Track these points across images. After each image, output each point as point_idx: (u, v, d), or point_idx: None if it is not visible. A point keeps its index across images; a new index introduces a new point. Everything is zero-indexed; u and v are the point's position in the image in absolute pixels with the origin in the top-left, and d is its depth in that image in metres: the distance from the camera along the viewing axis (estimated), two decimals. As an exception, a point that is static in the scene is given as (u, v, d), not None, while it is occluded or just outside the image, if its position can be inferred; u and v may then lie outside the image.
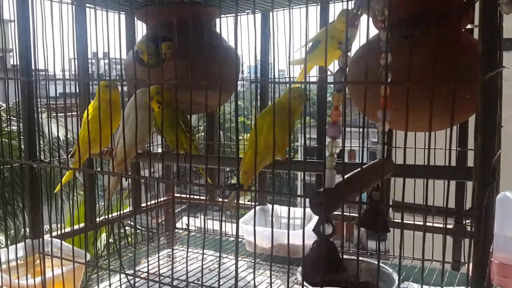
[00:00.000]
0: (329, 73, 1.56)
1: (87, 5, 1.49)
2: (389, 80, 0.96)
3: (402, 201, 0.88)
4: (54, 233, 1.43)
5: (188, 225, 1.89)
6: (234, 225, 1.92)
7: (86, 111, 1.28)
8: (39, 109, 1.29)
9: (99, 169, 1.40)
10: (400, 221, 1.55)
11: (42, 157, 1.36)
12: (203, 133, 1.96)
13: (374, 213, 0.98)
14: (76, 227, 1.51)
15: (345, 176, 0.84)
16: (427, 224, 1.46)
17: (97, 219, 1.59)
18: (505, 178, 1.34)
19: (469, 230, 1.47)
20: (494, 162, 1.15)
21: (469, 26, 1.34)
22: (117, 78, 1.86)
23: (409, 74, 0.76)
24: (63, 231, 1.28)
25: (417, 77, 0.87)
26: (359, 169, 0.92)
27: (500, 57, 1.22)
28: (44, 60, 1.16)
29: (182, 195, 2.12)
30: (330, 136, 0.84)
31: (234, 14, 1.67)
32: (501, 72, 1.26)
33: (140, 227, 2.48)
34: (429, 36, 1.12)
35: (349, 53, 0.87)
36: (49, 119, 1.13)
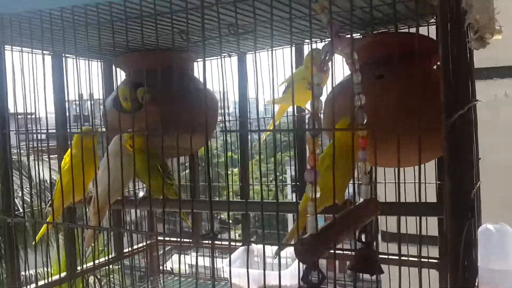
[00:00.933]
0: (307, 111, 1.58)
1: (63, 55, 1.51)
2: (365, 121, 0.97)
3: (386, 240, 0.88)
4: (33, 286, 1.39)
5: (169, 268, 1.86)
6: (221, 265, 1.90)
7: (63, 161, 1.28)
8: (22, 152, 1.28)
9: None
10: (392, 256, 1.53)
11: (29, 199, 1.34)
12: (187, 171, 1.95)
13: (365, 255, 0.97)
14: (56, 277, 1.47)
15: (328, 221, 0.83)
16: (413, 259, 1.45)
17: (78, 267, 1.55)
18: (491, 206, 1.34)
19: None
20: (473, 196, 1.15)
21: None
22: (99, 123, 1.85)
23: (376, 120, 0.76)
24: (39, 284, 1.26)
25: (389, 117, 0.88)
26: (344, 211, 0.92)
27: (473, 91, 1.25)
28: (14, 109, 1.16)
29: (166, 238, 2.09)
30: (309, 181, 0.84)
31: (213, 58, 1.69)
32: (475, 105, 1.28)
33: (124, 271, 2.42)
34: (399, 76, 1.14)
35: (320, 98, 0.87)
36: (18, 169, 1.11)
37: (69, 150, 1.35)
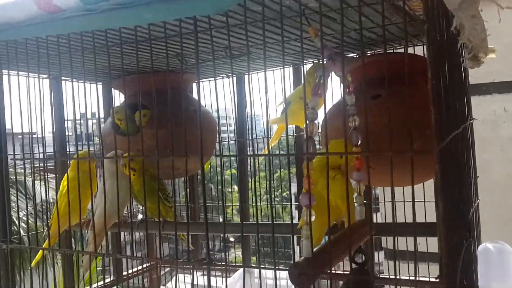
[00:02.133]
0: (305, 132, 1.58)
1: (63, 78, 1.52)
2: (359, 142, 0.97)
3: (378, 270, 0.87)
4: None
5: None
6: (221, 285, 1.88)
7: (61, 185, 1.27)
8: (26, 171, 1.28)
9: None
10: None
11: (30, 220, 1.33)
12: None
13: (358, 277, 0.96)
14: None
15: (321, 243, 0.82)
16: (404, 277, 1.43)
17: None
18: (490, 223, 1.33)
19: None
20: (472, 215, 1.14)
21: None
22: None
23: (368, 144, 0.76)
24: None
25: (385, 137, 0.88)
26: (339, 232, 0.91)
27: (469, 109, 1.25)
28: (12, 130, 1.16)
29: (165, 260, 2.08)
30: (304, 205, 0.83)
31: (211, 79, 1.71)
32: (472, 124, 1.28)
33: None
34: (394, 96, 1.14)
35: (315, 122, 0.87)
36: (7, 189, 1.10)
37: (67, 174, 1.35)
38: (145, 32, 0.95)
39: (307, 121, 0.83)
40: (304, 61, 1.52)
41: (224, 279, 1.97)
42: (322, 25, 0.79)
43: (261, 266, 0.91)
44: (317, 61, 1.53)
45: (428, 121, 1.12)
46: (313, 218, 0.84)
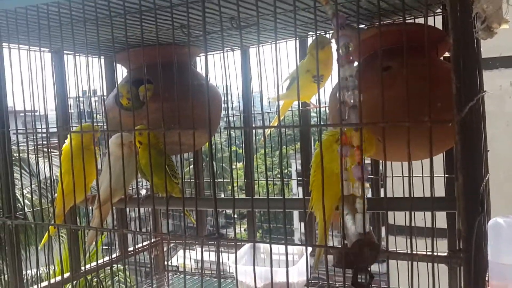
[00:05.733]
0: (312, 106, 1.55)
1: (65, 51, 1.48)
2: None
3: (386, 245, 0.85)
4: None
5: (175, 265, 1.84)
6: (227, 261, 1.88)
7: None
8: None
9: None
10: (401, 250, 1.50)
11: (32, 197, 1.32)
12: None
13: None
14: (58, 278, 1.46)
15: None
16: (421, 252, 1.42)
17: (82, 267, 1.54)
18: (497, 198, 1.32)
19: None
20: (483, 189, 1.13)
21: (447, 54, 1.34)
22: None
23: (383, 115, 0.74)
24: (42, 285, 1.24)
25: (395, 110, 0.86)
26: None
27: (480, 81, 1.22)
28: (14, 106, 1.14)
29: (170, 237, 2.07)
30: (357, 178, 0.80)
31: (216, 52, 1.67)
32: (483, 96, 1.26)
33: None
34: (406, 67, 1.11)
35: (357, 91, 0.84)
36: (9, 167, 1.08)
37: (65, 150, 1.31)
38: (150, 1, 0.91)
39: (349, 90, 0.81)
40: (311, 33, 1.48)
41: (229, 254, 1.96)
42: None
43: (272, 242, 0.89)
44: (324, 34, 1.49)
45: (439, 93, 1.09)
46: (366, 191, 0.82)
